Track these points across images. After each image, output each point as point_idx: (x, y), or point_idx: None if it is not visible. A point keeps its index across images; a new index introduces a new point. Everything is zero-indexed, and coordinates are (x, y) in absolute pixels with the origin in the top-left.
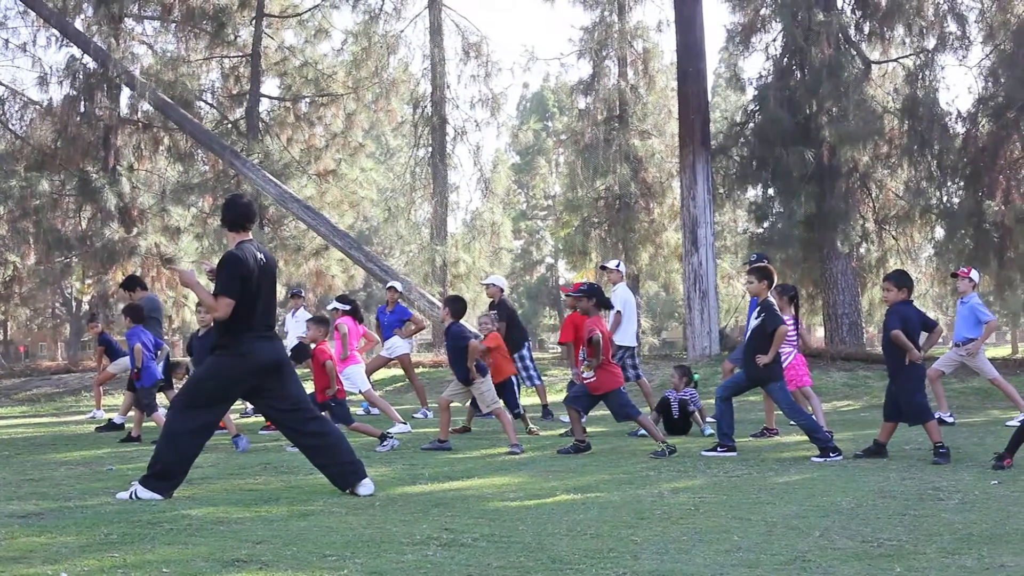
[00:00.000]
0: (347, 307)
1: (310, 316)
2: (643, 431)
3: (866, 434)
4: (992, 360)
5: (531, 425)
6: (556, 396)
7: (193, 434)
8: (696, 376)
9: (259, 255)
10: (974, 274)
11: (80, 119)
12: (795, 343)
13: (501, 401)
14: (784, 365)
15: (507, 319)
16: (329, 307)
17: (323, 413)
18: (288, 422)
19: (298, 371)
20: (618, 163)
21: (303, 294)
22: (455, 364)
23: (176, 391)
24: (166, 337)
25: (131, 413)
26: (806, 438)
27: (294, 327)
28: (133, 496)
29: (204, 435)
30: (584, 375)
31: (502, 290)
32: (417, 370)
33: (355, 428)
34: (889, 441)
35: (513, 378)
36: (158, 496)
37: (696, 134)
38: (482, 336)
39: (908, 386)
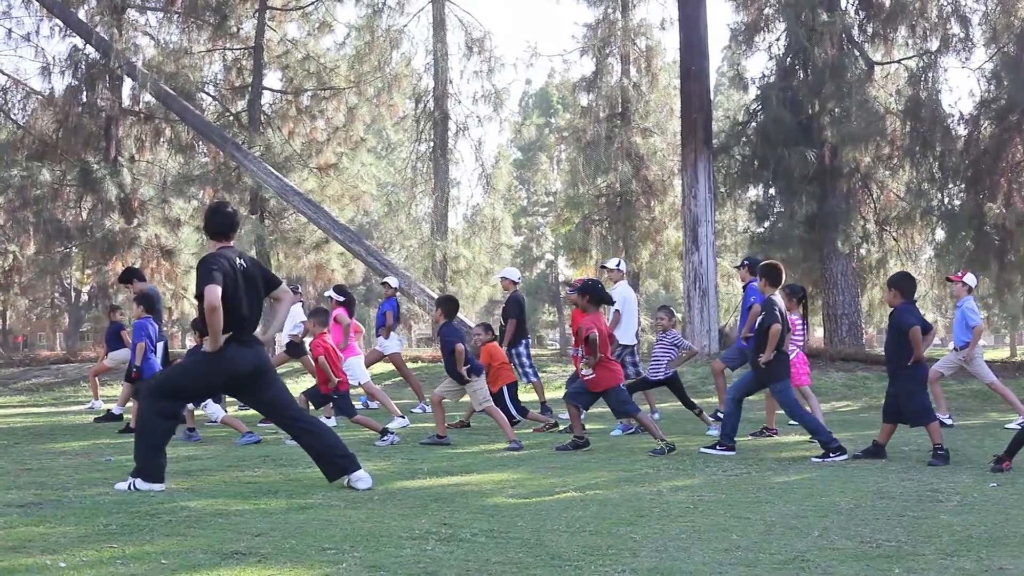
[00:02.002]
0: (342, 298)
1: (304, 316)
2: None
3: (865, 435)
4: (991, 363)
5: (551, 419)
6: (555, 392)
7: (162, 417)
8: (678, 315)
9: (239, 261)
10: (968, 278)
11: (82, 109)
12: (800, 342)
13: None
14: None
15: (516, 315)
16: (325, 294)
17: (328, 405)
18: (271, 416)
19: (296, 365)
20: (620, 160)
21: (299, 291)
22: (447, 363)
23: None
24: (164, 329)
25: (129, 404)
26: (806, 438)
27: (288, 324)
28: (132, 487)
29: (173, 419)
30: (583, 372)
31: (515, 282)
32: (416, 364)
33: (357, 421)
34: (886, 442)
35: (505, 388)
36: (157, 487)
37: (698, 132)
38: (475, 341)
39: (910, 387)
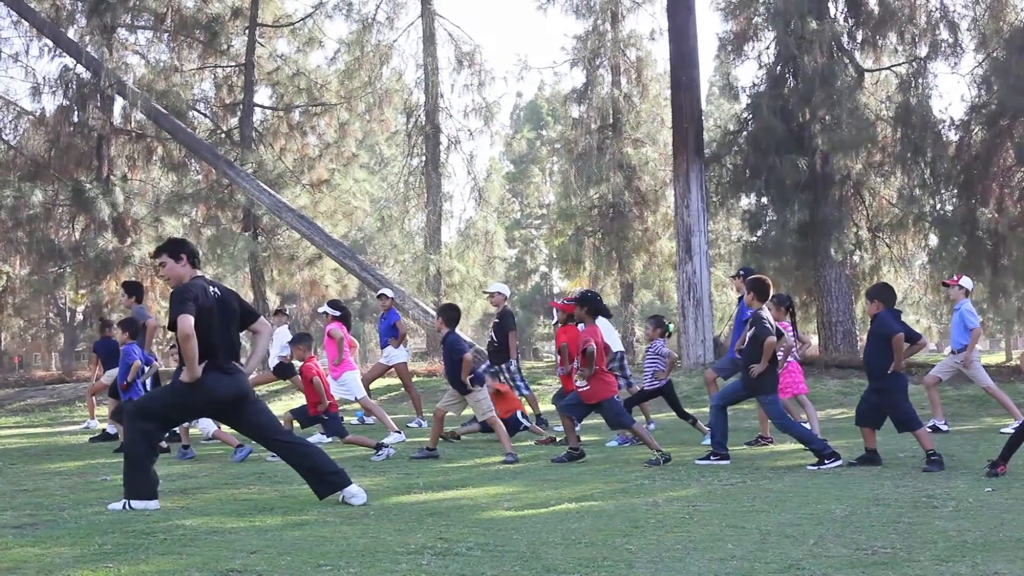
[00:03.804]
0: (337, 313)
1: (291, 335)
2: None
3: (860, 442)
4: (986, 367)
5: (552, 433)
6: (550, 405)
7: (145, 438)
8: (670, 327)
9: (212, 289)
10: (965, 281)
11: (73, 129)
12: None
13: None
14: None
15: (513, 328)
16: (320, 310)
17: (316, 425)
18: (258, 438)
19: (281, 384)
20: (612, 171)
21: (287, 311)
22: (451, 374)
23: None
24: (159, 348)
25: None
26: (800, 446)
27: (275, 345)
28: (126, 506)
29: (151, 437)
30: (577, 384)
31: (505, 297)
32: (412, 379)
33: (349, 441)
34: (876, 446)
35: (518, 413)
36: (152, 505)
37: (689, 142)
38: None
39: (893, 398)
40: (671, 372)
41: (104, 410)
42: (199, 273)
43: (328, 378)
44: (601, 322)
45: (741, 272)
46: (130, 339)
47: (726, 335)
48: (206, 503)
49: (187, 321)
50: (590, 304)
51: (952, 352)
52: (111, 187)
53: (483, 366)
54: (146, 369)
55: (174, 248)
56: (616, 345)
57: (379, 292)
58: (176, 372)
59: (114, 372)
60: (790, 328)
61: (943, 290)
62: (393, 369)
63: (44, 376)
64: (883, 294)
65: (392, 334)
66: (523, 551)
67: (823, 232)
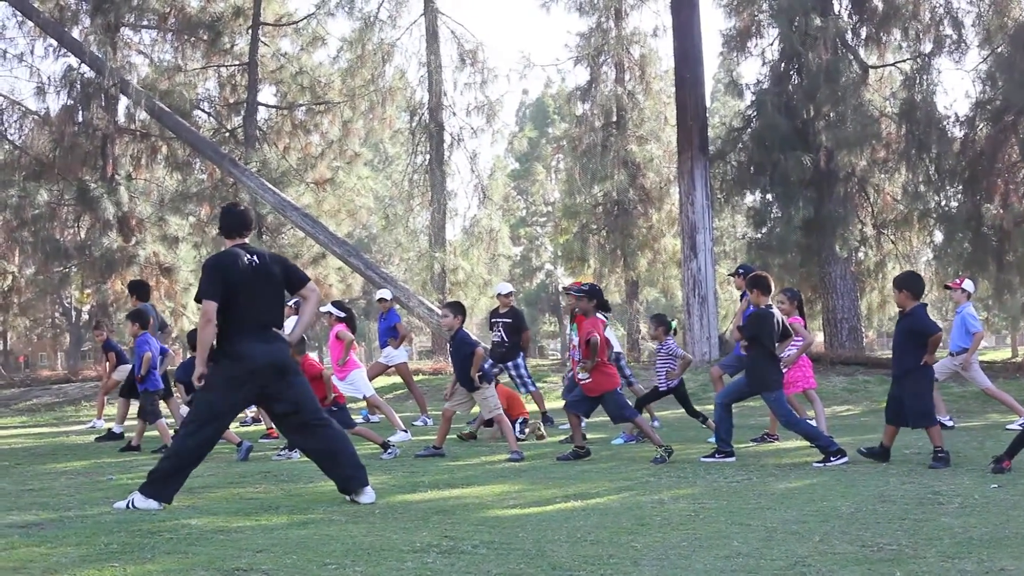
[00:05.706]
0: (342, 314)
1: None
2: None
3: (866, 439)
4: (992, 364)
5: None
6: (557, 403)
7: (197, 446)
8: (674, 324)
9: (249, 257)
10: (967, 284)
11: (78, 128)
12: (800, 345)
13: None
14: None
15: (527, 327)
16: (323, 309)
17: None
18: (293, 425)
19: None
20: (616, 169)
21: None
22: (460, 370)
23: (176, 399)
24: (166, 346)
25: (129, 422)
26: (806, 444)
27: None
28: (130, 505)
29: (208, 446)
30: (579, 376)
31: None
32: (416, 377)
33: (357, 432)
34: (891, 445)
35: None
36: (155, 505)
37: (694, 140)
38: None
39: (919, 389)
40: (684, 372)
41: (111, 409)
42: (241, 240)
43: (333, 378)
44: None
45: (740, 271)
46: (141, 330)
47: (731, 332)
48: (212, 502)
49: (209, 307)
50: (599, 297)
51: (951, 354)
52: (116, 186)
53: (488, 363)
54: (163, 359)
55: (222, 226)
56: (615, 345)
57: (378, 296)
58: (184, 363)
59: (124, 370)
60: (802, 323)
61: (948, 291)
62: (393, 369)
63: (50, 375)
64: (911, 284)
65: (392, 335)
66: (529, 549)
67: (828, 229)
